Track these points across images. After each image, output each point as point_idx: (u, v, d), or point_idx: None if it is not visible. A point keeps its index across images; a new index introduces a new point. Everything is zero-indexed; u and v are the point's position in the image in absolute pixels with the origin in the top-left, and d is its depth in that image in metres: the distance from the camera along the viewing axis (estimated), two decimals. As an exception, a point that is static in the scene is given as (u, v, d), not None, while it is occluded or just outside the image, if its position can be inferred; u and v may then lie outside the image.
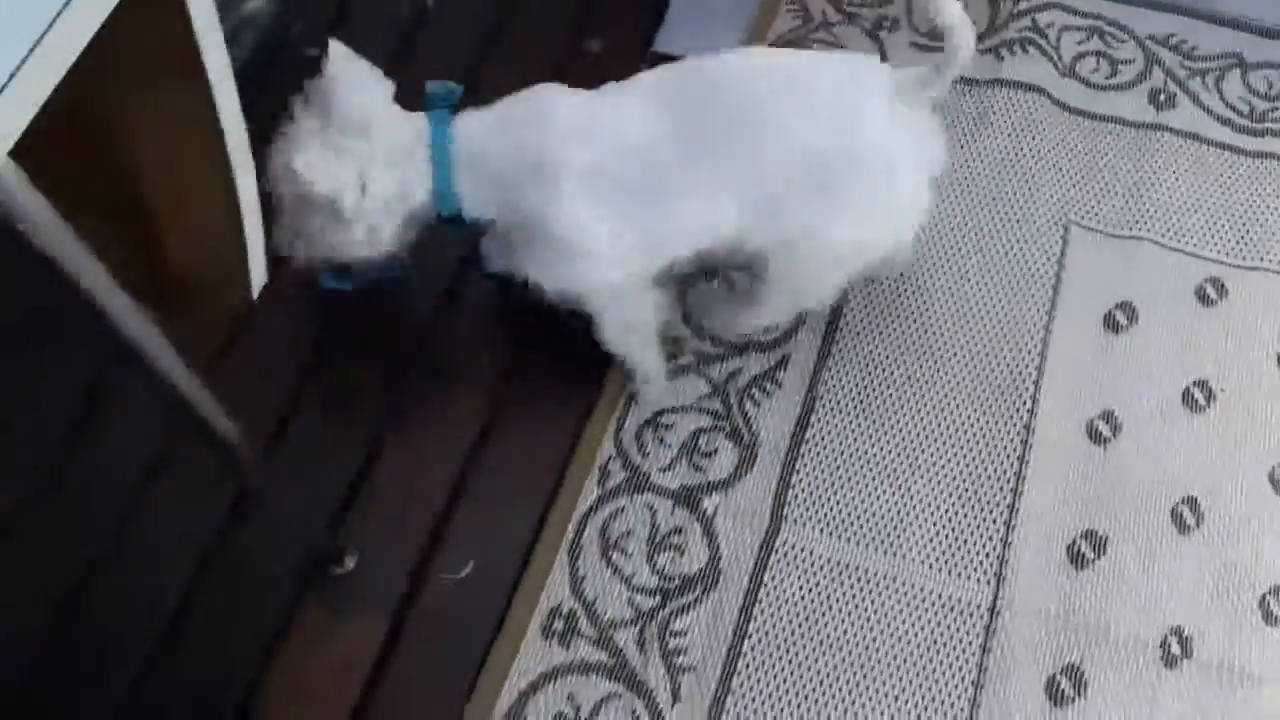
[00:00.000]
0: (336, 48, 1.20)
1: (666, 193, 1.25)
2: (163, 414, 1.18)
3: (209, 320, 1.04)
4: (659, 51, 1.82)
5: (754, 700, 1.31)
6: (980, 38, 1.77)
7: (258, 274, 0.92)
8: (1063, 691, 1.31)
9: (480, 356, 1.56)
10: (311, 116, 1.16)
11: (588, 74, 1.72)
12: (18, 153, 0.64)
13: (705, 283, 1.56)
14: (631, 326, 1.38)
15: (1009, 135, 1.71)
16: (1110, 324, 1.55)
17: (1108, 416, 1.48)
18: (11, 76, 0.59)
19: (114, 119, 0.78)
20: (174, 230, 0.89)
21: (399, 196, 1.23)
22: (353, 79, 1.20)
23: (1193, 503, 1.42)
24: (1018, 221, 1.64)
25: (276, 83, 1.65)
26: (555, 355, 1.53)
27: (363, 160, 1.18)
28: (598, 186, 1.23)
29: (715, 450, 1.47)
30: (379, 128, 1.20)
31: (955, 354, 1.53)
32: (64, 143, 0.67)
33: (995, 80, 1.76)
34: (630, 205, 1.24)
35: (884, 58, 1.77)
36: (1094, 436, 1.47)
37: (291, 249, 1.19)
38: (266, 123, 1.10)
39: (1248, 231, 1.62)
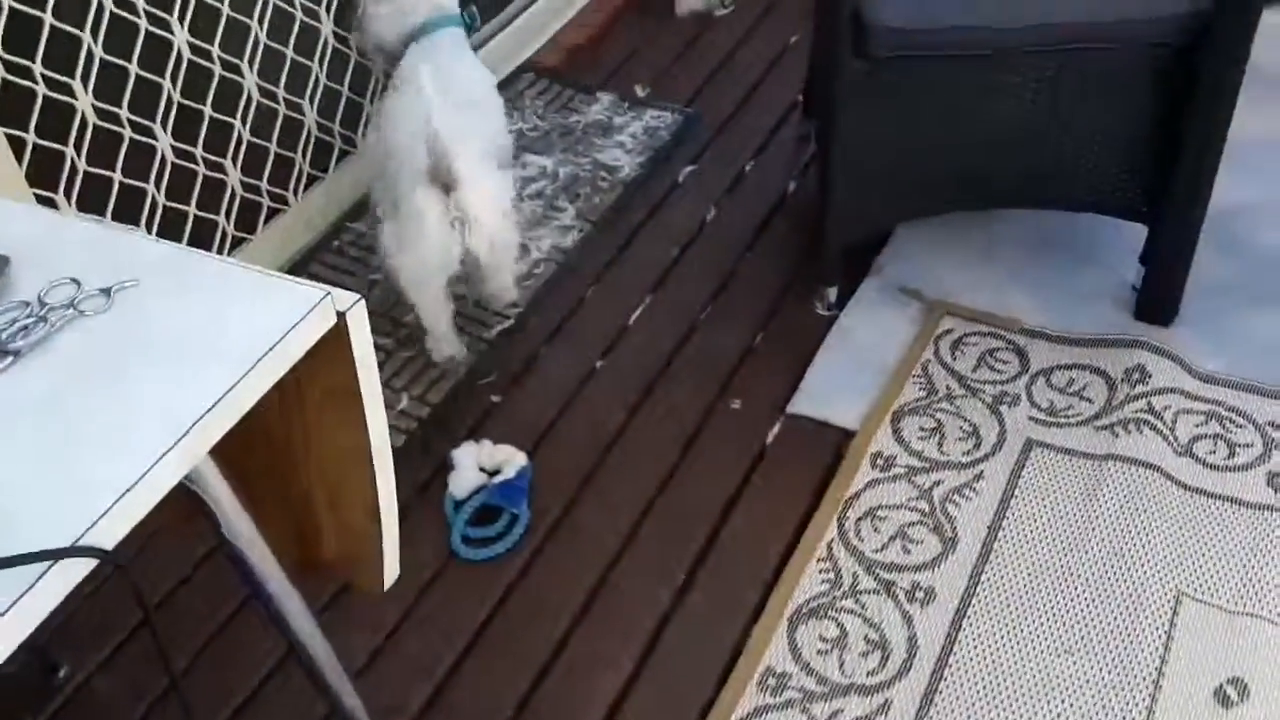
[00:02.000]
0: None
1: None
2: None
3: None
4: (792, 412, 2.02)
5: None
6: (1096, 415, 1.90)
7: (391, 568, 1.11)
8: None
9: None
10: None
11: (726, 427, 1.94)
12: (214, 451, 0.87)
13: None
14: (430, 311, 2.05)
15: (1121, 507, 1.78)
16: (1221, 698, 1.54)
17: (1219, 796, 1.44)
18: (224, 394, 0.83)
19: (291, 428, 1.02)
20: (326, 523, 1.11)
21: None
22: None
23: None
24: (1127, 587, 1.68)
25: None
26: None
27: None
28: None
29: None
30: None
31: (1061, 707, 1.54)
32: (247, 445, 0.91)
33: (1109, 455, 1.85)
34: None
35: (1003, 430, 1.91)
36: (1204, 816, 1.43)
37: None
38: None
39: (1373, 618, 1.60)
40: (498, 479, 1.90)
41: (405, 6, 2.08)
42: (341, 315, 0.91)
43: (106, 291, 0.90)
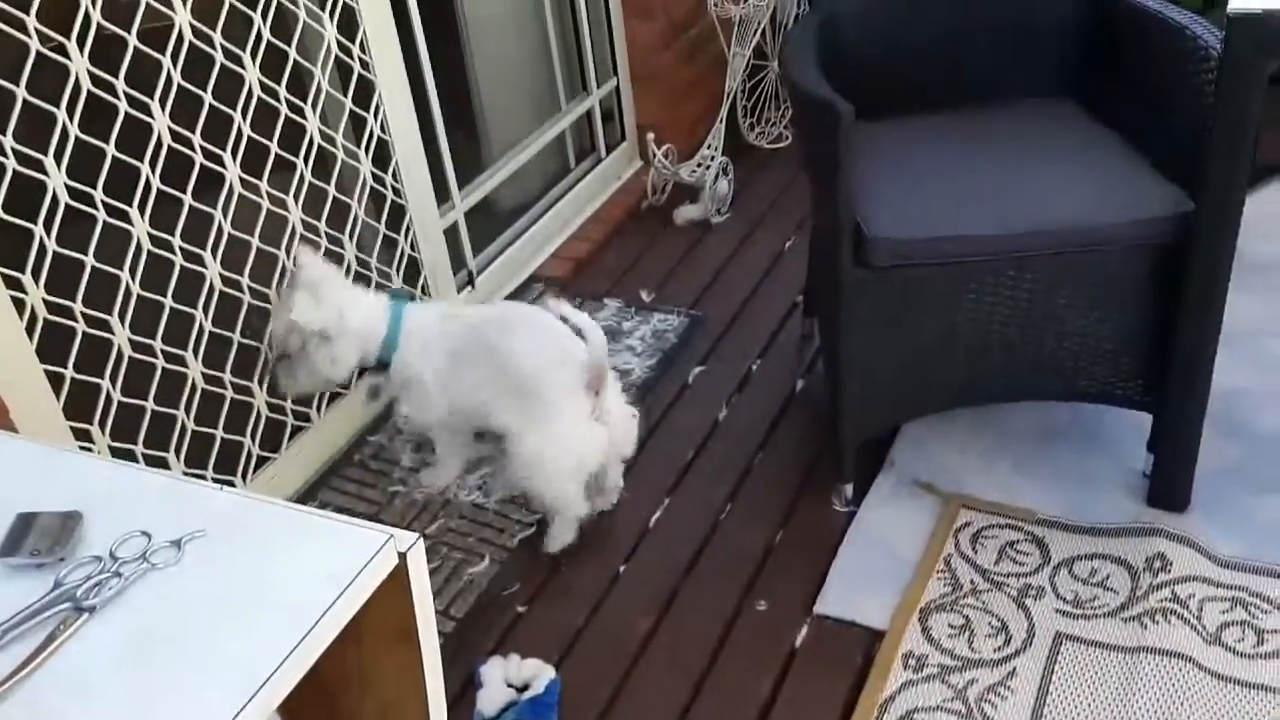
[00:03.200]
0: (303, 249, 2.05)
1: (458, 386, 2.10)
2: None
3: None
4: (820, 613, 2.02)
5: None
6: (1123, 606, 1.91)
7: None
8: None
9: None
10: (296, 290, 1.98)
11: (754, 630, 1.93)
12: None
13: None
14: (443, 441, 2.31)
15: (1158, 700, 1.76)
16: None
17: None
18: (295, 648, 0.85)
19: (347, 667, 1.03)
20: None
21: (362, 334, 2.05)
22: (316, 264, 2.03)
23: None
24: (1174, 788, 1.65)
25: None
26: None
27: (338, 306, 2.01)
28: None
29: None
30: (348, 296, 2.05)
31: None
32: (311, 692, 0.92)
33: (1140, 647, 1.85)
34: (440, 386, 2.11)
35: (1031, 625, 1.91)
36: None
37: (294, 385, 2.08)
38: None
39: None
40: (526, 695, 1.88)
41: (361, 327, 2.07)
42: (402, 556, 0.94)
43: (177, 544, 0.93)
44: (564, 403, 2.02)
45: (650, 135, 3.32)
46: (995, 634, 1.91)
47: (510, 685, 1.91)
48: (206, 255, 2.06)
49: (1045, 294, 2.01)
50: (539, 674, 1.90)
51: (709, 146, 3.33)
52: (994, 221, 1.97)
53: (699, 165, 3.33)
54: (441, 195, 2.70)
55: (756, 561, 2.16)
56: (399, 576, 0.95)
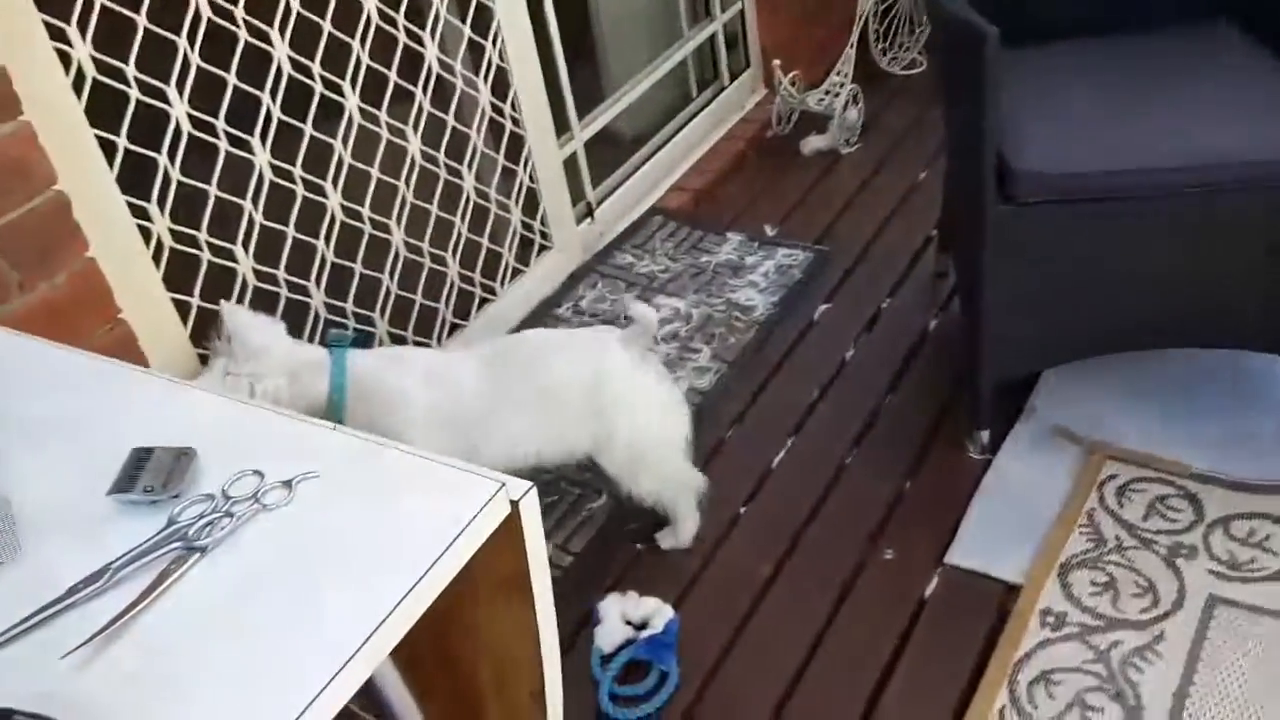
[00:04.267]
0: (227, 306, 1.71)
1: (481, 430, 1.83)
2: None
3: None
4: (951, 564, 1.93)
5: None
6: (1284, 569, 1.76)
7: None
8: None
9: None
10: (218, 360, 1.69)
11: (881, 579, 1.85)
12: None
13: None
14: None
15: (1324, 672, 1.63)
16: None
17: None
18: (406, 594, 0.82)
19: (462, 614, 1.00)
20: (491, 706, 1.08)
21: (299, 403, 1.71)
22: (250, 324, 1.71)
23: None
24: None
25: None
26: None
27: (257, 377, 1.69)
28: (437, 418, 1.80)
29: None
30: (277, 357, 1.71)
31: None
32: (423, 641, 0.88)
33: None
34: (454, 432, 1.81)
35: (1182, 586, 1.79)
36: None
37: None
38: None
39: None
40: (645, 633, 1.84)
41: (302, 376, 1.74)
42: (515, 504, 0.89)
43: (288, 484, 0.90)
44: (631, 392, 1.88)
45: (776, 62, 3.18)
46: (1142, 594, 1.80)
47: (628, 622, 1.88)
48: (327, 185, 2.04)
49: (1202, 232, 1.85)
50: (658, 612, 1.87)
51: (838, 73, 3.18)
52: (1148, 155, 1.81)
53: (827, 93, 3.18)
54: (560, 125, 2.64)
55: (884, 508, 2.07)
56: (511, 525, 0.90)
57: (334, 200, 2.06)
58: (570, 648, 1.88)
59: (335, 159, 2.04)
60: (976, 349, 2.03)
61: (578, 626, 1.90)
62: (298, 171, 1.98)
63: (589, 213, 2.81)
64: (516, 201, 2.51)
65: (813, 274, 2.67)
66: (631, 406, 1.88)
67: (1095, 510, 1.97)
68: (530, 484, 0.91)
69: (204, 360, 1.88)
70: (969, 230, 2.02)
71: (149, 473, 0.91)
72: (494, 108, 2.39)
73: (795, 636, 1.85)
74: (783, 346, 2.49)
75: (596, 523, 2.08)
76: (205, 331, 1.86)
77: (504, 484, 0.89)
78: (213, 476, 0.93)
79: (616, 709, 1.76)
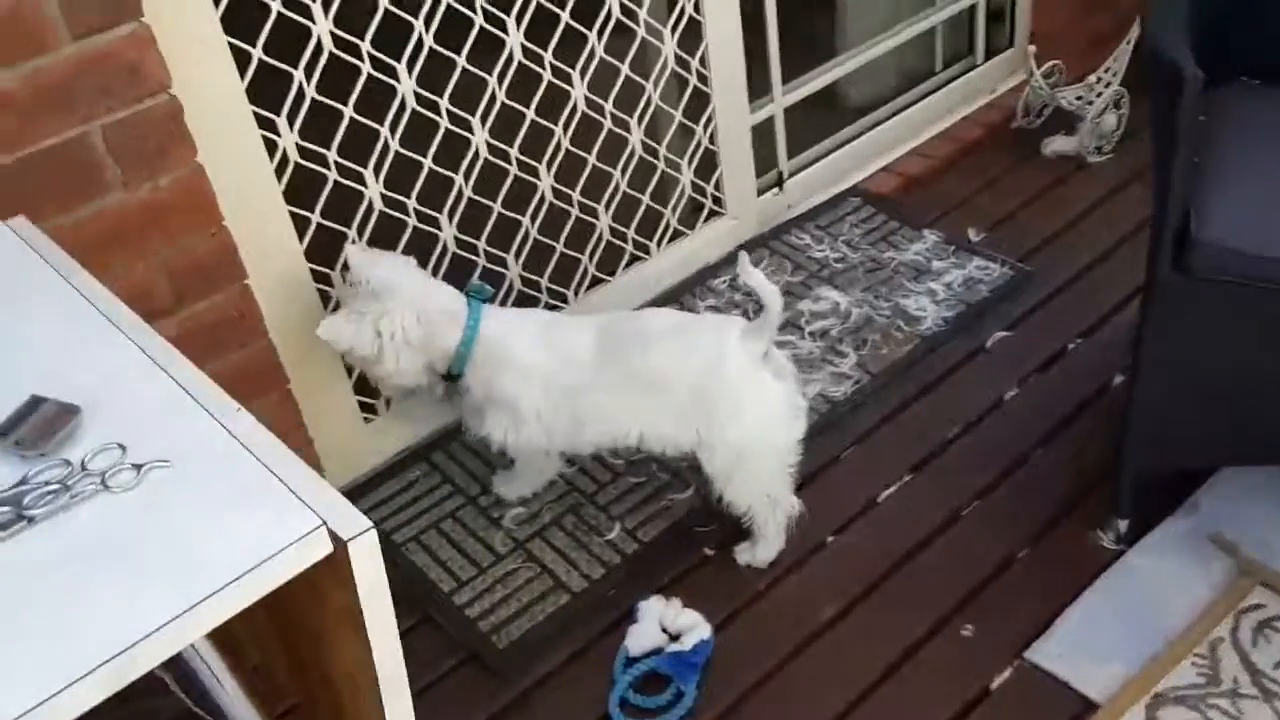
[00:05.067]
0: (352, 248, 1.75)
1: (586, 401, 1.79)
2: None
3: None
4: (1031, 660, 1.72)
5: None
6: None
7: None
8: None
9: None
10: (346, 300, 1.75)
11: (949, 654, 1.68)
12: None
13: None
14: (530, 470, 2.00)
15: None
16: None
17: None
18: (175, 618, 0.78)
19: (311, 631, 0.96)
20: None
21: (425, 343, 1.76)
22: (371, 261, 1.74)
23: None
24: None
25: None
26: None
27: (382, 314, 1.71)
28: (545, 382, 1.79)
29: None
30: (406, 295, 1.73)
31: None
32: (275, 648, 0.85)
33: None
34: (561, 399, 1.79)
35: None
36: None
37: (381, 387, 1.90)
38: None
39: None
40: (674, 646, 1.76)
41: (418, 335, 1.76)
42: (342, 545, 0.83)
43: (139, 468, 0.88)
44: (744, 391, 1.75)
45: (1031, 47, 2.86)
46: (1234, 759, 1.53)
47: (664, 630, 1.80)
48: (475, 121, 2.02)
49: None
50: (694, 628, 1.78)
51: (1106, 70, 2.82)
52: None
53: (1087, 90, 2.83)
54: (760, 88, 2.49)
55: (983, 576, 1.86)
56: (339, 562, 0.85)
57: (479, 137, 2.03)
58: (605, 638, 1.83)
59: (488, 95, 2.01)
60: (1123, 430, 1.77)
61: (619, 618, 1.84)
62: (444, 103, 1.96)
63: (779, 182, 2.65)
64: (690, 162, 2.40)
65: (1004, 294, 2.41)
66: (742, 408, 1.76)
67: (1222, 641, 1.69)
68: (369, 525, 0.85)
69: (323, 297, 1.92)
70: (1143, 295, 1.75)
71: (29, 425, 0.92)
72: (679, 60, 2.28)
73: (833, 692, 1.71)
74: (939, 369, 2.27)
75: (673, 515, 2.00)
76: (323, 250, 1.91)
77: (322, 524, 0.83)
78: (88, 440, 0.92)
79: (620, 714, 1.70)
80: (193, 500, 0.87)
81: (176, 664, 0.93)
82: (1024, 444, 2.09)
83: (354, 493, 2.05)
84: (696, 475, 1.94)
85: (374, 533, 0.85)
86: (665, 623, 1.80)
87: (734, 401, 1.75)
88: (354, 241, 1.93)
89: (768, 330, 1.74)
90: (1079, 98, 2.84)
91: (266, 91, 1.75)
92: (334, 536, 0.85)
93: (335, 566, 0.84)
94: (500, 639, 1.80)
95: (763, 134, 2.55)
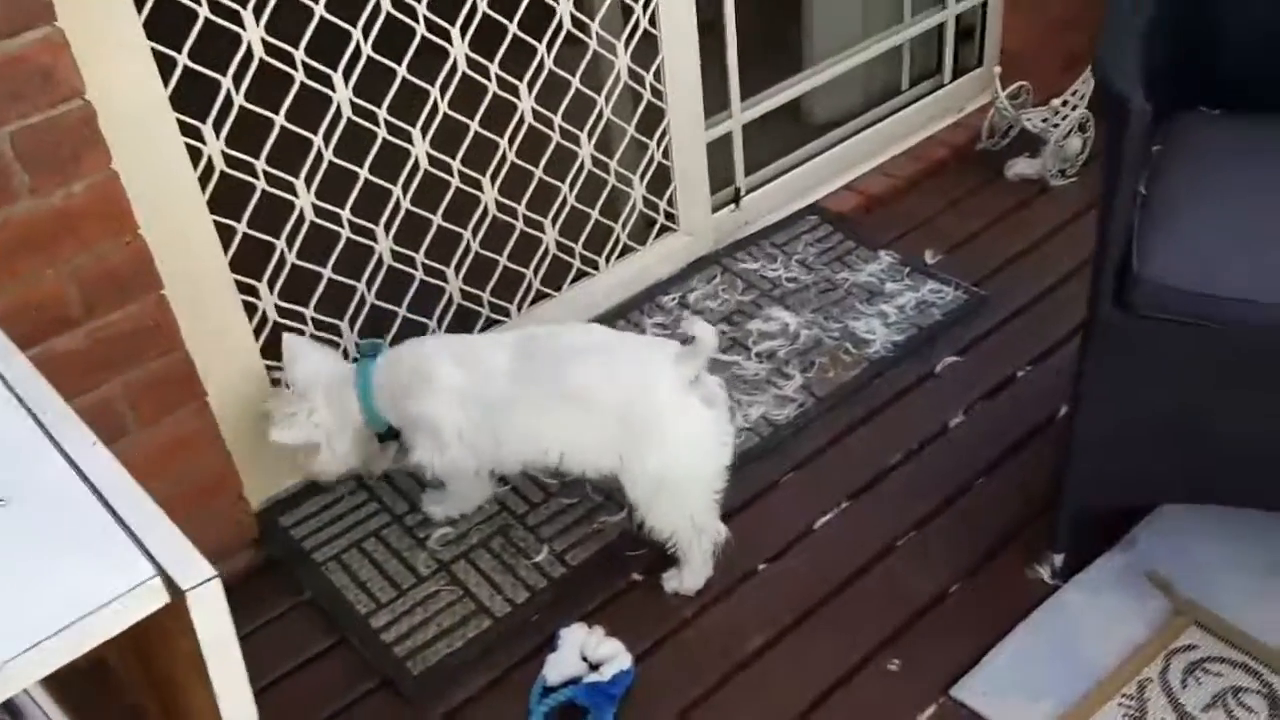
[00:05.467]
0: (287, 337, 1.86)
1: (505, 418, 1.78)
2: None
3: None
4: (956, 697, 1.69)
5: None
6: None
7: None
8: None
9: None
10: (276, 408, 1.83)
11: (873, 690, 1.69)
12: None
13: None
14: (460, 491, 1.96)
15: None
16: None
17: None
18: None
19: (172, 678, 0.93)
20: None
21: (341, 421, 1.85)
22: (297, 354, 1.86)
23: None
24: None
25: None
26: None
27: (310, 409, 1.83)
28: (464, 401, 1.79)
29: None
30: (321, 383, 1.85)
31: None
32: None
33: None
34: (481, 417, 1.79)
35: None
36: None
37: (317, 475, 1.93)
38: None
39: None
40: (592, 676, 1.73)
41: (336, 395, 1.87)
42: (180, 595, 0.80)
43: (-28, 504, 0.85)
44: (671, 417, 1.72)
45: (996, 68, 2.83)
46: (1153, 808, 1.51)
47: (585, 659, 1.76)
48: (415, 132, 1.98)
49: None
50: (613, 659, 1.74)
51: (1073, 93, 2.79)
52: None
53: (1052, 113, 2.80)
54: (717, 103, 2.45)
55: (915, 608, 1.84)
56: (179, 613, 0.81)
57: (420, 148, 1.99)
58: (522, 666, 1.79)
59: (429, 106, 1.97)
60: (1063, 465, 1.74)
61: (539, 646, 1.81)
62: (382, 113, 1.92)
63: (735, 199, 2.62)
64: (642, 177, 2.37)
65: (956, 318, 2.38)
66: (667, 434, 1.73)
67: (1150, 682, 1.67)
68: (211, 574, 0.82)
69: (248, 308, 1.89)
70: (1084, 330, 1.72)
71: None
72: (633, 75, 2.25)
73: (757, 721, 1.68)
74: (886, 394, 2.24)
75: (605, 538, 1.96)
76: (250, 261, 1.87)
77: (158, 572, 0.79)
78: (-69, 470, 0.89)
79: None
80: (25, 544, 0.83)
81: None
82: (967, 472, 2.06)
83: (275, 508, 2.01)
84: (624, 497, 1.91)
85: (217, 583, 0.81)
86: (586, 651, 1.76)
87: (659, 428, 1.72)
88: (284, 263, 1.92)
89: (700, 356, 1.70)
90: (1044, 120, 2.81)
91: (194, 98, 1.71)
92: (172, 586, 0.81)
93: (178, 614, 0.81)
94: (415, 664, 1.76)
95: (720, 148, 2.52)
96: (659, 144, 2.36)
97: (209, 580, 0.81)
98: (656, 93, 2.30)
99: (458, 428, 1.79)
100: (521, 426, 1.79)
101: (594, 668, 1.74)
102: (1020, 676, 1.70)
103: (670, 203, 2.45)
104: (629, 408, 1.72)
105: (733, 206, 2.62)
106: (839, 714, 1.69)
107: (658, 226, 2.47)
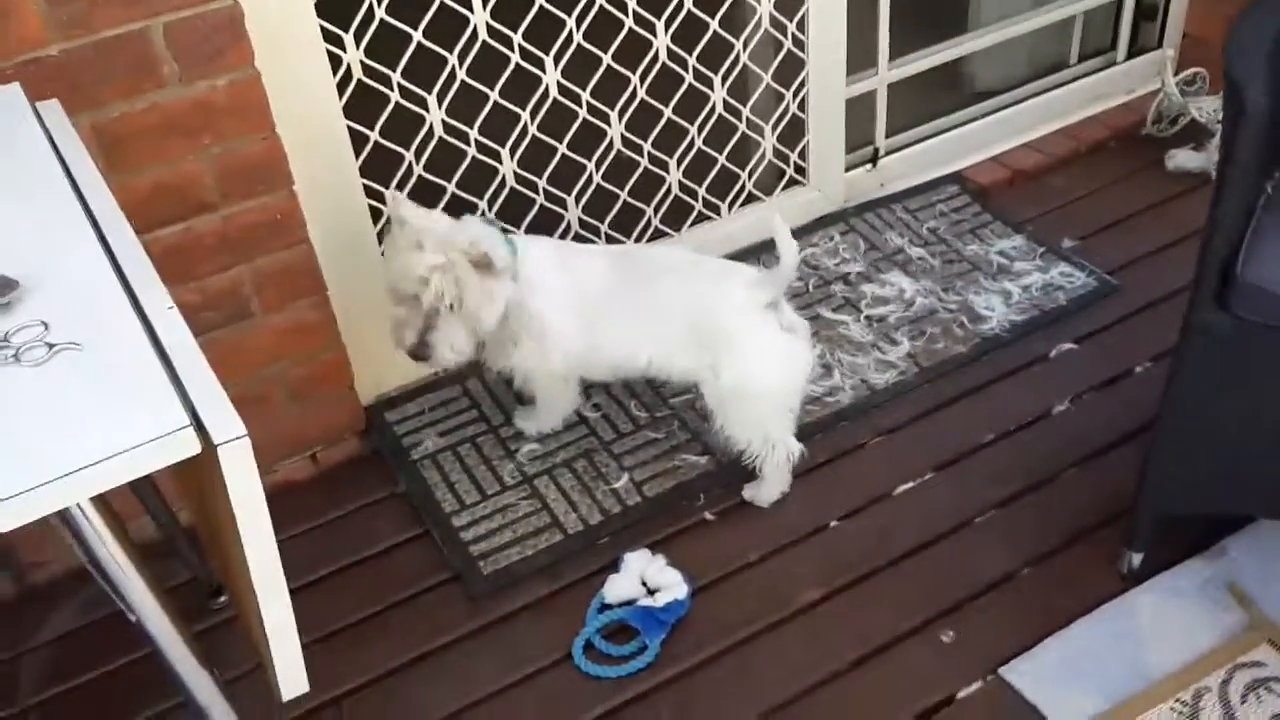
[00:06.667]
0: (391, 194, 1.75)
1: (603, 321, 1.86)
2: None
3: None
4: (1004, 677, 1.67)
5: None
6: None
7: (288, 684, 1.09)
8: None
9: None
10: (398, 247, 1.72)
11: (921, 658, 1.71)
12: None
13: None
14: (548, 401, 2.02)
15: None
16: None
17: None
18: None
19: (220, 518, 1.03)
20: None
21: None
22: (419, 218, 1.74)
23: None
24: None
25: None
26: None
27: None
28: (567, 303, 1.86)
29: None
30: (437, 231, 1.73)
31: None
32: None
33: None
34: (581, 319, 1.86)
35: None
36: None
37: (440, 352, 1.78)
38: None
39: None
40: (647, 601, 1.79)
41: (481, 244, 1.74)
42: (212, 447, 0.89)
43: (51, 346, 0.95)
44: (741, 333, 1.81)
45: (1170, 51, 2.68)
46: (1180, 818, 1.47)
47: (644, 584, 1.83)
48: (548, 60, 2.04)
49: None
50: (671, 587, 1.80)
51: (1252, 84, 2.63)
52: None
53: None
54: (863, 59, 2.42)
55: (979, 586, 1.82)
56: (211, 463, 0.91)
57: (550, 76, 2.05)
58: (586, 581, 1.86)
59: (564, 35, 2.03)
60: (1145, 463, 1.68)
61: (604, 566, 1.88)
62: (517, 39, 1.98)
63: (873, 159, 2.59)
64: (774, 128, 2.37)
65: (1082, 305, 2.31)
66: (736, 349, 1.83)
67: (1209, 691, 1.62)
68: (240, 433, 0.90)
69: (373, 213, 1.98)
70: (1181, 329, 1.65)
71: (-29, 291, 1.00)
72: (774, 22, 2.24)
73: (793, 675, 1.71)
74: (991, 373, 2.20)
75: (682, 476, 2.01)
76: (378, 169, 1.97)
77: (188, 424, 0.89)
78: (21, 314, 1.00)
79: (583, 658, 1.74)
80: (91, 384, 0.93)
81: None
82: (1060, 461, 2.01)
83: (383, 405, 2.14)
84: (712, 435, 1.96)
85: (246, 440, 0.90)
86: (646, 577, 1.83)
87: (729, 343, 1.82)
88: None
89: (777, 282, 1.79)
90: (1215, 110, 2.66)
91: (338, 7, 1.81)
92: (206, 439, 0.90)
93: (211, 466, 0.90)
94: (487, 565, 1.86)
95: (863, 105, 2.49)
96: (795, 96, 2.35)
97: (239, 438, 0.90)
98: (798, 42, 2.29)
99: (560, 329, 1.87)
100: (613, 333, 1.89)
101: (651, 593, 1.81)
102: (1073, 668, 1.68)
103: (802, 156, 2.44)
104: (700, 323, 1.83)
105: (869, 166, 2.59)
106: (878, 675, 1.71)
107: (786, 178, 2.47)
